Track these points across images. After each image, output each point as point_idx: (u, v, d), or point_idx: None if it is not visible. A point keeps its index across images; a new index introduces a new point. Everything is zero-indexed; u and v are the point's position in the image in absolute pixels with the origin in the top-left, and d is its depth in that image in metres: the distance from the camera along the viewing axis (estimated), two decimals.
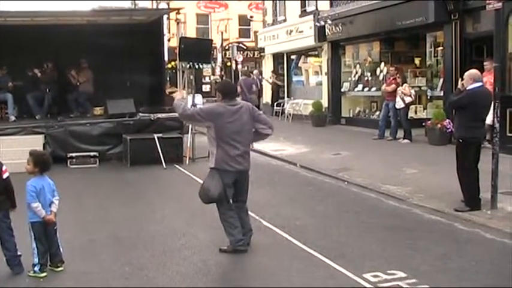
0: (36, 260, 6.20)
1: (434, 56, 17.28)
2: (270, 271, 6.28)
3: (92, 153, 13.83)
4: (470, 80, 8.41)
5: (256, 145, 16.31)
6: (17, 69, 15.66)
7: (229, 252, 6.83)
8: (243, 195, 7.09)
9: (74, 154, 13.71)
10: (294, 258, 6.71)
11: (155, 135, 13.55)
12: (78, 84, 16.13)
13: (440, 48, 16.43)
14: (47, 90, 15.75)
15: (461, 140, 8.50)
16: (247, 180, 7.10)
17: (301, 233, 7.61)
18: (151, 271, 6.28)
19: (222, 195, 6.76)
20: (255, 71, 29.95)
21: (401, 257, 6.61)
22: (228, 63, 35.01)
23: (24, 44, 15.31)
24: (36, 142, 13.54)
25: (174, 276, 6.07)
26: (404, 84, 15.75)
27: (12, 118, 15.32)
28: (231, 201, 6.92)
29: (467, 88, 8.40)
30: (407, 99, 15.59)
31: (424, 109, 17.90)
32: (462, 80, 8.64)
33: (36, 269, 6.17)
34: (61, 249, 6.41)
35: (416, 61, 18.96)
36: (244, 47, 38.51)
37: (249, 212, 7.65)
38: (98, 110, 16.20)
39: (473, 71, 8.61)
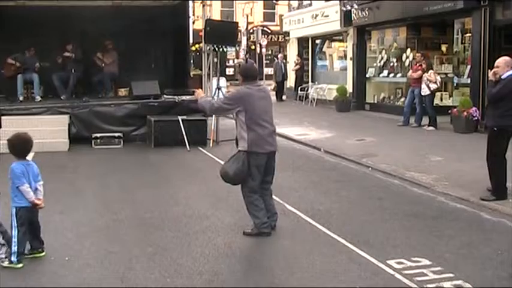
0: (14, 249, 5.88)
1: (462, 43, 17.05)
2: (293, 254, 6.27)
3: (116, 134, 13.88)
4: (507, 67, 8.11)
5: (280, 129, 16.34)
6: (43, 50, 15.76)
7: (253, 235, 6.84)
8: (269, 177, 7.07)
9: (98, 135, 13.78)
10: (317, 242, 6.70)
11: (179, 117, 13.57)
12: (103, 65, 16.21)
13: (468, 35, 16.20)
14: (73, 70, 15.84)
15: (495, 129, 8.31)
16: (274, 161, 7.08)
17: (325, 218, 7.59)
18: (175, 252, 6.31)
19: (240, 177, 6.75)
20: (280, 55, 29.85)
21: (425, 244, 6.56)
22: (253, 47, 34.86)
23: (50, 25, 15.44)
24: (61, 122, 13.71)
25: (197, 258, 6.09)
26: (430, 71, 15.57)
27: (38, 98, 15.46)
28: (256, 183, 6.88)
29: (504, 76, 8.10)
30: (433, 86, 15.42)
31: (450, 96, 17.73)
32: (492, 68, 8.43)
33: (13, 258, 5.87)
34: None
35: (443, 48, 18.74)
36: (269, 31, 38.35)
37: (273, 196, 7.67)
38: (122, 91, 16.30)
39: (509, 58, 8.33)
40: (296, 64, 26.76)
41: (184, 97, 14.69)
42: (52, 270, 5.81)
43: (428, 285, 5.39)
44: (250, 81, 6.92)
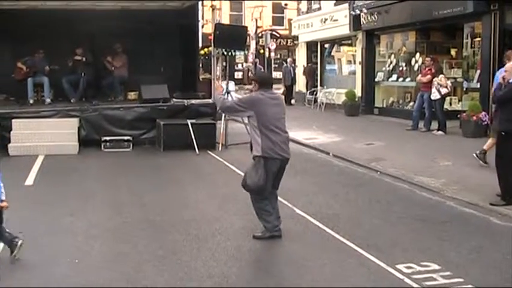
0: None
1: (471, 47, 17.03)
2: (302, 258, 6.28)
3: (125, 138, 13.92)
4: None
5: (289, 133, 16.35)
6: (53, 53, 15.84)
7: (263, 239, 6.86)
8: (277, 182, 7.09)
9: (108, 138, 13.82)
10: (326, 246, 6.72)
11: (188, 121, 13.61)
12: (113, 69, 16.28)
13: (478, 39, 16.18)
14: (83, 74, 15.91)
15: (503, 133, 8.30)
16: (284, 168, 7.09)
17: (334, 222, 7.60)
18: (185, 255, 6.33)
19: (263, 187, 6.74)
20: (289, 60, 29.92)
21: (434, 249, 6.56)
22: (261, 51, 34.88)
23: (60, 29, 15.48)
24: (71, 125, 13.77)
25: (207, 261, 6.11)
26: (441, 75, 15.54)
27: (48, 101, 15.53)
28: (267, 188, 6.89)
29: (511, 81, 8.23)
30: (444, 91, 15.38)
31: (459, 101, 17.69)
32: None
33: None
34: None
35: (453, 52, 18.70)
36: (278, 35, 38.37)
37: (282, 200, 7.73)
38: (132, 95, 16.34)
39: None
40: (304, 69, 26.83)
41: (193, 101, 14.73)
42: (62, 272, 5.84)
43: None
44: (265, 89, 6.96)
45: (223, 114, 14.13)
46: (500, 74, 10.45)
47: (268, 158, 6.73)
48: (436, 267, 5.93)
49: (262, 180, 6.70)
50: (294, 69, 27.96)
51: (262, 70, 28.83)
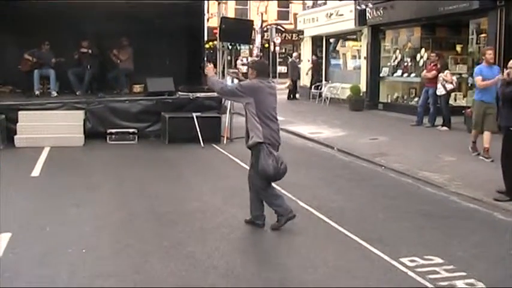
0: None
1: (477, 43, 16.99)
2: (306, 251, 6.33)
3: (131, 130, 13.98)
4: None
5: (293, 127, 16.42)
6: (59, 46, 15.89)
7: (282, 225, 6.96)
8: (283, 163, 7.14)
9: (113, 130, 13.88)
10: (330, 239, 6.77)
11: (194, 114, 13.65)
12: (119, 62, 16.33)
13: (483, 35, 16.15)
14: (88, 67, 15.97)
15: (511, 129, 8.33)
16: None
17: (338, 215, 7.64)
18: (190, 246, 6.38)
19: (278, 169, 6.82)
20: (295, 54, 29.97)
21: (438, 243, 6.60)
22: (266, 45, 34.93)
23: (67, 22, 15.56)
24: (77, 117, 13.83)
25: (212, 252, 6.16)
26: (446, 71, 15.56)
27: (54, 93, 15.59)
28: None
29: None
30: (449, 86, 15.39)
31: (464, 97, 17.68)
32: (507, 69, 8.48)
33: None
34: None
35: (458, 48, 18.69)
36: (283, 29, 38.38)
37: (286, 193, 7.80)
38: (137, 88, 16.39)
39: None
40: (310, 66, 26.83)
41: (198, 94, 14.77)
42: (69, 262, 5.90)
43: (441, 283, 5.43)
44: (263, 77, 7.07)
45: (228, 108, 14.19)
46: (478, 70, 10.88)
47: (270, 144, 6.84)
48: (440, 261, 5.96)
49: (276, 163, 6.79)
50: (298, 64, 28.02)
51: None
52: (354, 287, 5.39)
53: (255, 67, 7.24)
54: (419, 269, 5.73)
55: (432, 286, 5.37)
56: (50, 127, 13.41)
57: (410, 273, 5.65)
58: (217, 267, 5.78)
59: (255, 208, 7.15)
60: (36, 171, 10.45)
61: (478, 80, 11.19)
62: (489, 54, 11.52)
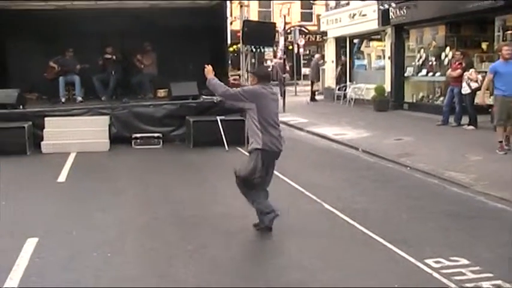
0: None
1: (503, 40, 16.76)
2: (330, 253, 6.32)
3: (155, 134, 14.06)
4: None
5: (318, 129, 16.38)
6: (83, 53, 16.07)
7: (262, 229, 6.98)
8: (269, 177, 7.16)
9: (138, 135, 13.97)
10: (354, 241, 6.74)
11: (218, 118, 13.68)
12: (143, 67, 16.46)
13: (510, 32, 15.95)
14: (113, 72, 16.12)
15: None
16: (275, 162, 7.18)
17: (362, 217, 7.59)
18: (214, 250, 6.40)
19: (251, 178, 6.87)
20: (316, 55, 29.92)
21: (464, 244, 6.52)
22: (290, 47, 34.86)
23: (90, 28, 15.73)
24: (102, 123, 13.95)
25: (235, 256, 6.19)
26: (471, 70, 15.38)
27: (79, 99, 15.79)
28: (259, 180, 6.96)
29: None
30: (474, 85, 15.20)
31: (490, 95, 17.43)
32: None
33: None
34: None
35: (484, 45, 18.46)
36: (306, 31, 38.27)
37: (310, 195, 7.78)
38: (161, 92, 16.50)
39: None
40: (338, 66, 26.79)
41: None
42: (94, 266, 5.96)
43: (467, 285, 5.36)
44: (265, 83, 7.07)
45: None
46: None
47: (268, 151, 6.83)
48: (466, 262, 5.89)
49: (252, 170, 6.81)
50: (320, 66, 28.03)
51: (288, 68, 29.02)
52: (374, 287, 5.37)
53: (256, 73, 7.30)
54: (444, 271, 5.66)
55: None
56: (76, 133, 13.55)
57: (435, 274, 5.59)
58: (241, 269, 5.80)
59: (265, 207, 7.12)
60: (62, 177, 10.56)
61: (488, 77, 11.27)
62: (505, 50, 11.52)
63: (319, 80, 27.72)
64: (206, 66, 7.32)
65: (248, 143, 7.06)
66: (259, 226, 7.03)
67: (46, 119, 13.69)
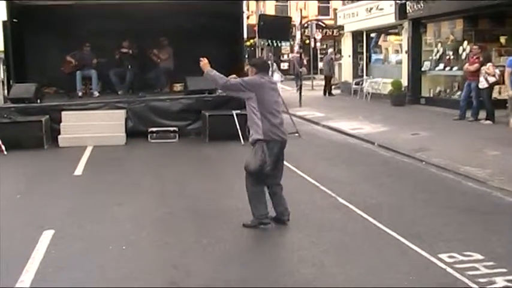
0: None
1: None
2: (343, 247, 6.32)
3: (171, 128, 14.13)
4: None
5: (334, 123, 16.36)
6: (100, 47, 16.16)
7: (253, 227, 6.95)
8: (280, 170, 7.15)
9: (154, 129, 14.05)
10: (368, 235, 6.73)
11: (233, 112, 13.70)
12: (159, 61, 16.52)
13: None
14: (129, 66, 16.20)
15: None
16: (283, 153, 7.15)
17: (376, 211, 7.59)
18: (228, 243, 6.44)
19: (262, 168, 6.81)
20: (330, 50, 30.01)
21: (478, 239, 6.50)
22: (307, 41, 34.77)
23: (107, 23, 15.80)
24: (118, 117, 14.04)
25: (250, 249, 6.23)
26: (488, 64, 15.25)
27: (96, 94, 15.91)
28: (268, 171, 6.92)
29: None
30: (491, 79, 15.10)
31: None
32: None
33: None
34: None
35: (502, 39, 18.30)
36: (323, 25, 38.16)
37: (325, 189, 7.76)
38: (177, 87, 16.56)
39: None
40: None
41: None
42: (110, 258, 6.03)
43: (480, 280, 5.34)
44: (264, 73, 7.11)
45: None
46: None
47: (269, 141, 6.82)
48: (480, 257, 5.87)
49: (261, 161, 6.77)
50: (333, 60, 28.05)
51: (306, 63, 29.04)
52: (383, 287, 5.36)
53: (254, 64, 7.32)
54: (458, 265, 5.65)
55: (470, 282, 5.29)
56: (93, 127, 13.66)
57: (448, 269, 5.58)
58: (255, 262, 5.82)
59: (276, 204, 7.15)
60: (79, 170, 10.66)
61: (507, 71, 11.16)
62: None
63: (333, 75, 27.69)
64: (201, 59, 7.27)
65: (249, 133, 7.03)
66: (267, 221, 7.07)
67: (63, 113, 13.81)
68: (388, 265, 5.76)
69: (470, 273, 5.48)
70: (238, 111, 13.77)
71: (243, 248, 6.29)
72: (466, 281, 5.32)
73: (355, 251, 6.17)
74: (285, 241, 6.62)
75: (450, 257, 5.87)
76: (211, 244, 6.42)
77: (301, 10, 30.58)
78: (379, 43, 25.85)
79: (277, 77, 24.46)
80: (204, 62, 7.27)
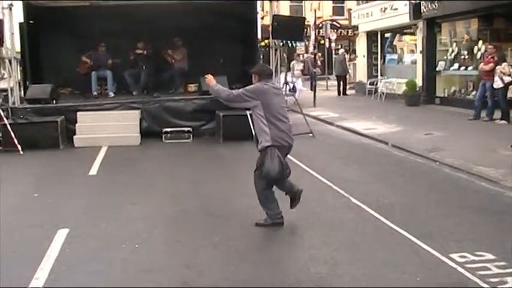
0: None
1: None
2: (355, 246, 6.34)
3: (185, 129, 14.21)
4: None
5: (348, 123, 16.35)
6: (115, 48, 16.28)
7: (266, 226, 7.02)
8: (287, 171, 7.09)
9: (168, 129, 14.14)
10: (380, 235, 6.75)
11: (247, 112, 13.71)
12: (173, 61, 16.61)
13: None
14: (144, 67, 16.31)
15: None
16: (287, 155, 7.21)
17: (389, 211, 7.60)
18: (240, 242, 6.49)
19: (282, 172, 6.82)
20: (341, 50, 30.07)
21: (490, 239, 6.48)
22: (322, 42, 34.78)
23: (122, 24, 15.91)
24: (133, 117, 14.14)
25: (261, 247, 6.26)
26: (504, 63, 15.18)
27: (111, 94, 16.04)
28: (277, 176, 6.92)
29: None
30: (507, 79, 15.02)
31: None
32: None
33: None
34: None
35: None
36: (338, 25, 38.15)
37: (338, 189, 7.92)
38: (192, 87, 16.64)
39: None
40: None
41: None
42: (123, 256, 6.10)
43: (492, 280, 5.34)
44: (266, 80, 7.13)
45: None
46: None
47: (278, 146, 6.83)
48: (491, 257, 5.87)
49: (279, 166, 6.75)
50: (345, 60, 28.05)
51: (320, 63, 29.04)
52: (394, 286, 5.37)
53: (255, 71, 7.31)
54: (469, 265, 5.65)
55: (482, 282, 5.30)
56: (107, 127, 13.78)
57: (459, 269, 5.58)
58: (266, 261, 5.86)
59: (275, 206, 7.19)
60: (93, 170, 10.76)
61: None
62: None
63: (348, 74, 27.68)
64: (206, 76, 7.33)
65: (258, 142, 7.04)
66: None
67: (78, 113, 13.94)
68: (398, 264, 5.77)
69: (482, 273, 5.48)
70: None
71: (255, 247, 6.33)
72: (477, 280, 5.33)
73: (366, 250, 6.18)
74: (296, 239, 6.65)
75: (462, 256, 5.87)
76: (224, 242, 6.47)
77: (315, 10, 30.63)
78: (394, 43, 25.77)
79: (300, 84, 24.53)
80: (209, 78, 7.32)
